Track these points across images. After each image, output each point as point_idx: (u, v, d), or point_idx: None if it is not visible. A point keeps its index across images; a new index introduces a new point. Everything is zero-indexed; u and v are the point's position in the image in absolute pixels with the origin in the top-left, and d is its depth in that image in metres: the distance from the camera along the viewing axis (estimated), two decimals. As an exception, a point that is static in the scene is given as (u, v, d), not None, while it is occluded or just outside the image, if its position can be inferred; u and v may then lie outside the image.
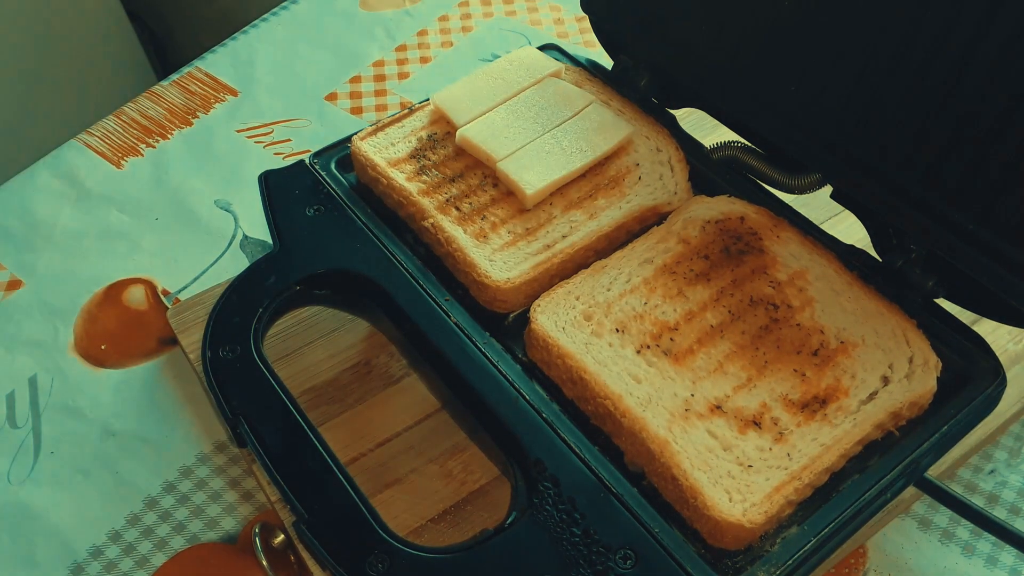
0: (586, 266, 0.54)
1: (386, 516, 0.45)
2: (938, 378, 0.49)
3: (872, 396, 0.48)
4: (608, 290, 0.52)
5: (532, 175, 0.57)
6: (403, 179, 0.58)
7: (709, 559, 0.44)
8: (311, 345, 0.61)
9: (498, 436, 0.49)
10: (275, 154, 0.79)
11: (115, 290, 0.69)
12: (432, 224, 0.55)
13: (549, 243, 0.55)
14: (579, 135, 0.59)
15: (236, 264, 0.71)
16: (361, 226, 0.57)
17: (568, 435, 0.48)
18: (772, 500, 0.44)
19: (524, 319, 0.52)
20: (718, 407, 0.47)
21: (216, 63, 0.88)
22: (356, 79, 0.86)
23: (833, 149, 0.54)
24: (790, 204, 0.58)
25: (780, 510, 0.44)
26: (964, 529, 0.56)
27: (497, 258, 0.54)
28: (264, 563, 0.52)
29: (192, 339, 0.61)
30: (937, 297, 0.53)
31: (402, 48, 0.89)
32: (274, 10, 0.93)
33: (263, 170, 0.60)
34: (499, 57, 0.77)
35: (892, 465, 0.46)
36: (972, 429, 0.49)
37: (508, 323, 0.54)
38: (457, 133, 0.60)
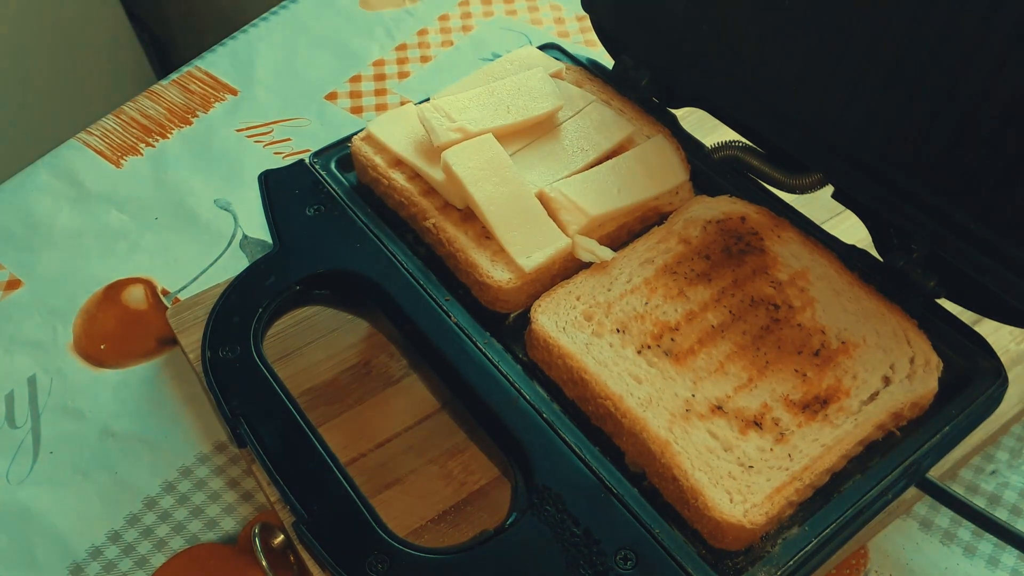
0: (587, 266, 0.54)
1: (386, 516, 0.45)
2: (939, 378, 0.49)
3: (873, 396, 0.48)
4: (609, 290, 0.52)
5: (533, 175, 0.57)
6: (404, 180, 0.58)
7: (710, 560, 0.44)
8: (311, 345, 0.61)
9: (498, 436, 0.49)
10: (275, 153, 0.79)
11: (114, 290, 0.69)
12: (434, 225, 0.55)
13: (549, 243, 0.55)
14: (580, 134, 0.59)
15: (236, 264, 0.71)
16: (361, 226, 0.57)
17: (568, 435, 0.47)
18: (773, 501, 0.44)
19: (525, 319, 0.52)
20: (719, 407, 0.47)
21: (216, 62, 0.87)
22: (356, 78, 0.86)
23: (834, 149, 0.54)
24: (791, 204, 0.58)
25: (781, 511, 0.44)
26: (965, 530, 0.56)
27: (499, 259, 0.53)
28: (264, 563, 0.52)
29: (192, 339, 0.61)
30: (938, 297, 0.53)
31: (402, 47, 0.89)
32: (274, 9, 0.93)
33: (263, 170, 0.60)
34: (499, 56, 0.77)
35: (893, 466, 0.46)
36: (973, 430, 0.49)
37: (509, 323, 0.53)
38: (457, 133, 0.59)
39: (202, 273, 0.70)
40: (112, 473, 0.59)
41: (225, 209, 0.74)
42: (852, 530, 0.45)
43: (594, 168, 0.57)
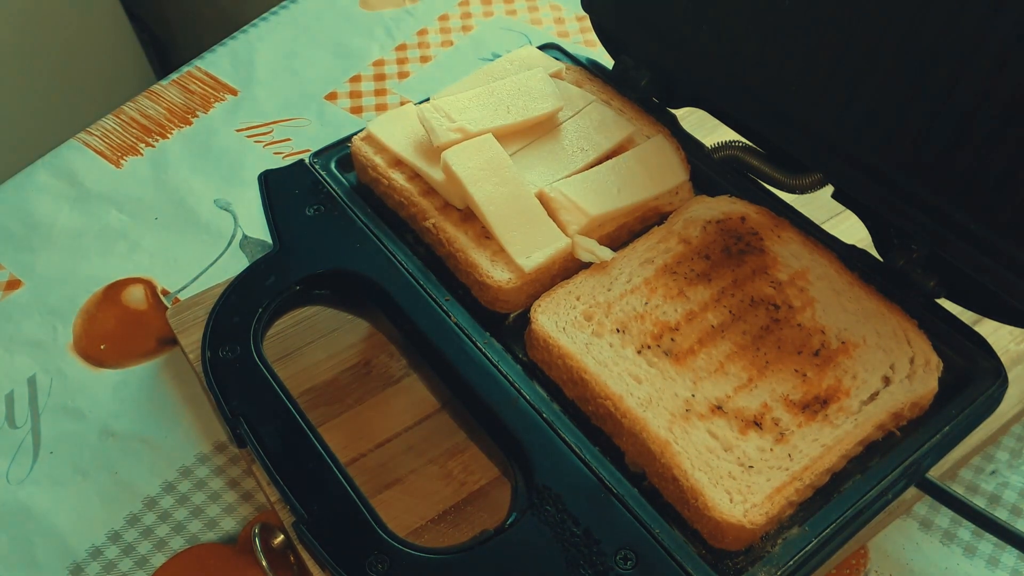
0: (587, 266, 0.54)
1: (386, 516, 0.45)
2: (939, 378, 0.49)
3: (873, 396, 0.48)
4: (609, 290, 0.52)
5: (533, 175, 0.57)
6: (404, 180, 0.58)
7: (710, 560, 0.44)
8: (311, 345, 0.61)
9: (498, 436, 0.49)
10: (275, 153, 0.79)
11: (114, 290, 0.69)
12: (434, 225, 0.55)
13: (549, 243, 0.55)
14: (580, 134, 0.59)
15: (236, 264, 0.71)
16: (361, 226, 0.57)
17: (568, 435, 0.47)
18: (773, 501, 0.44)
19: (525, 319, 0.52)
20: (719, 407, 0.47)
21: (216, 62, 0.87)
22: (356, 78, 0.86)
23: (834, 149, 0.54)
24: (791, 204, 0.58)
25: (781, 511, 0.44)
26: (965, 530, 0.56)
27: (499, 259, 0.53)
28: (264, 564, 0.52)
29: (191, 339, 0.61)
30: (938, 297, 0.53)
31: (402, 47, 0.89)
32: (274, 9, 0.93)
33: (263, 170, 0.60)
34: (499, 57, 0.77)
35: (893, 466, 0.46)
36: (973, 430, 0.49)
37: (509, 323, 0.53)
38: (457, 133, 0.59)
39: (202, 273, 0.70)
40: (112, 473, 0.59)
41: (225, 209, 0.74)
42: (852, 530, 0.45)
43: (594, 168, 0.57)
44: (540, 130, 0.59)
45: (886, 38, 0.48)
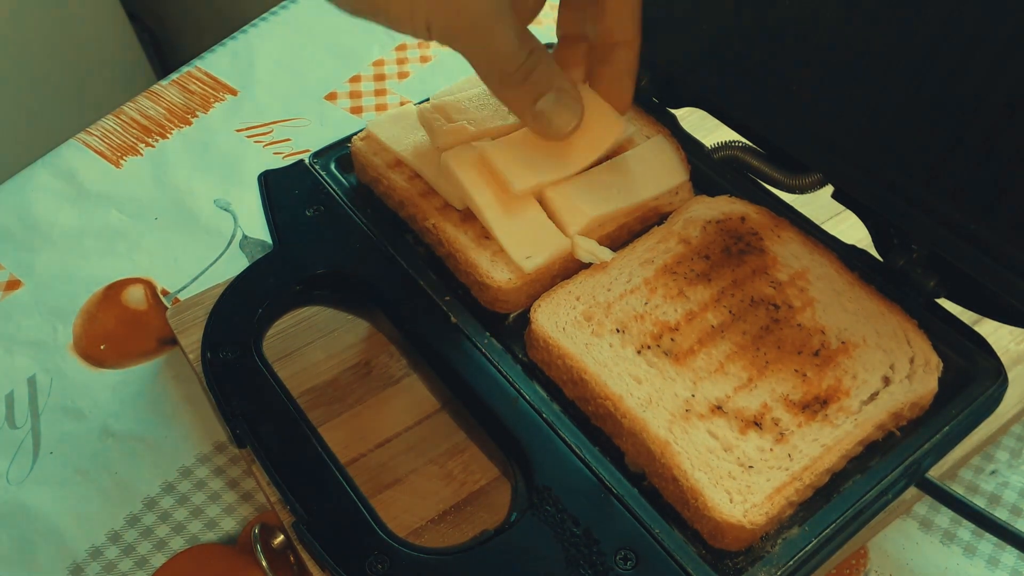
0: (587, 266, 0.54)
1: (386, 516, 0.45)
2: (939, 378, 0.49)
3: (873, 396, 0.48)
4: (608, 290, 0.52)
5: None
6: (404, 180, 0.58)
7: (710, 560, 0.44)
8: (311, 345, 0.61)
9: (498, 436, 0.49)
10: (275, 154, 0.79)
11: (114, 290, 0.69)
12: (433, 225, 0.55)
13: (549, 243, 0.55)
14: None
15: (236, 264, 0.71)
16: (361, 226, 0.57)
17: (568, 435, 0.47)
18: (773, 501, 0.44)
19: (524, 319, 0.52)
20: (719, 407, 0.47)
21: (215, 62, 0.87)
22: (356, 78, 0.86)
23: (834, 149, 0.54)
24: (791, 204, 0.58)
25: (781, 511, 0.44)
26: (965, 530, 0.56)
27: (499, 259, 0.53)
28: (264, 564, 0.52)
29: (191, 339, 0.61)
30: (938, 297, 0.53)
31: (402, 47, 0.89)
32: (274, 9, 0.93)
33: (263, 170, 0.60)
34: (499, 57, 0.77)
35: (893, 466, 0.46)
36: (973, 429, 0.49)
37: (508, 323, 0.53)
38: (457, 133, 0.59)
39: (202, 273, 0.70)
40: (112, 473, 0.59)
41: (225, 209, 0.74)
42: (852, 530, 0.45)
43: (594, 168, 0.57)
44: None
45: (886, 37, 0.48)
